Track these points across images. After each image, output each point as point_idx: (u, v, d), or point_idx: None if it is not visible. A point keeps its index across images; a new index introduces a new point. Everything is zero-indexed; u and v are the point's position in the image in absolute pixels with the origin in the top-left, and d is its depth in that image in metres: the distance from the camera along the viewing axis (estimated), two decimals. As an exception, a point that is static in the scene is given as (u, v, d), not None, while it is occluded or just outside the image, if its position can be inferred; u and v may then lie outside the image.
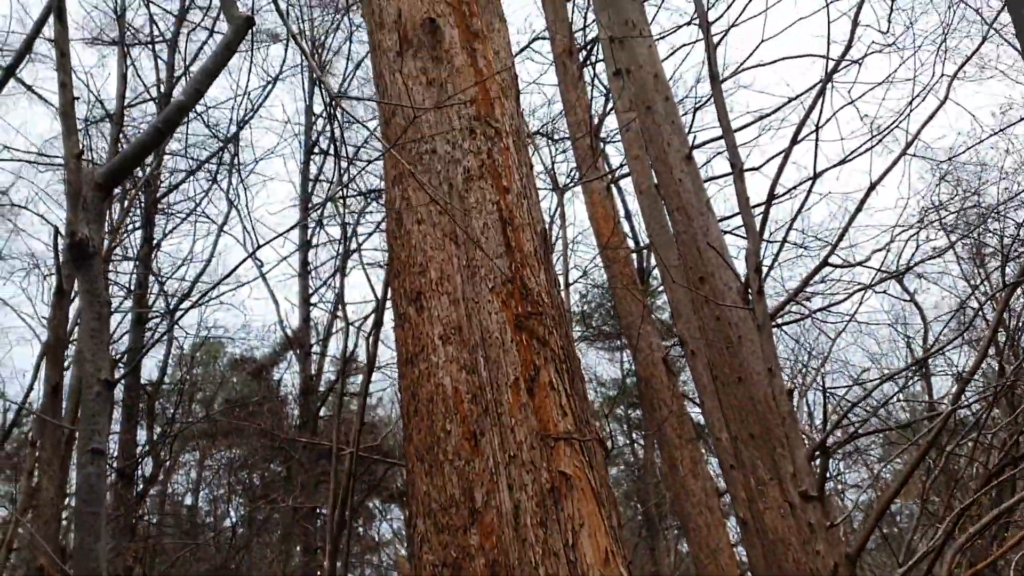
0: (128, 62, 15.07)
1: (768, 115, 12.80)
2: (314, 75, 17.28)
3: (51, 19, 3.36)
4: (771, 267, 10.80)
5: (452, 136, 4.19)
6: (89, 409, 2.03)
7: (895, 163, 9.87)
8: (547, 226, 4.51)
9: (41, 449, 9.07)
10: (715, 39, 6.64)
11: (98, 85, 24.26)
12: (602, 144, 13.61)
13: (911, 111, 9.96)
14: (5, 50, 12.41)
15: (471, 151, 4.14)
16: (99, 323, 2.03)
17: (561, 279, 8.58)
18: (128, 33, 15.32)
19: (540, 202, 4.51)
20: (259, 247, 13.85)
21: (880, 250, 10.97)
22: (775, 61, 10.18)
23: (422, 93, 4.36)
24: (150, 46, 16.03)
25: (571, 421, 3.56)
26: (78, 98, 3.33)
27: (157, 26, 15.97)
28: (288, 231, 18.64)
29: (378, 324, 6.76)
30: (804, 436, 7.26)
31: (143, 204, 15.86)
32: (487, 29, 4.67)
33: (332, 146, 16.36)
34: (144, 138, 2.36)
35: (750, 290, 5.46)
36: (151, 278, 15.91)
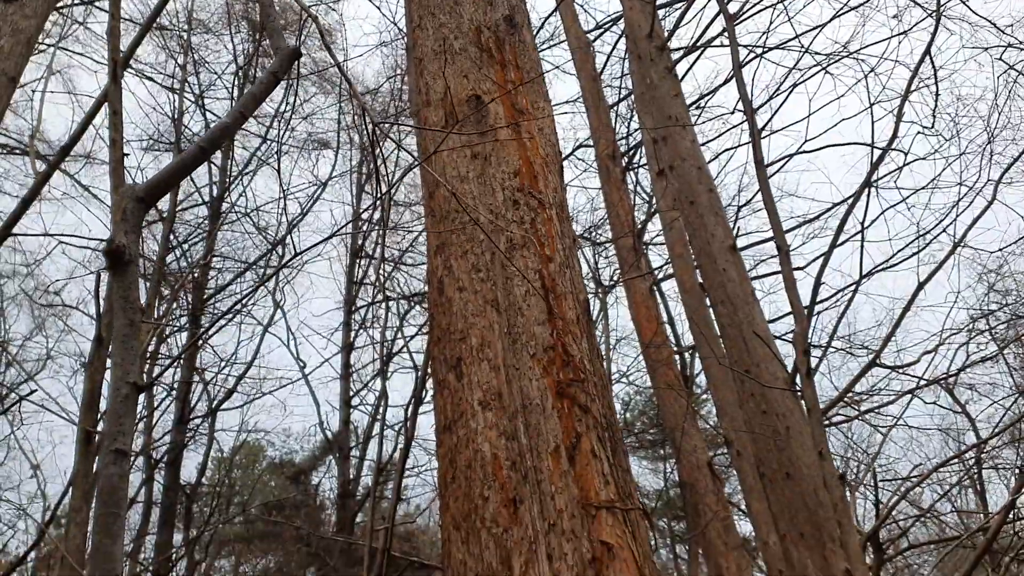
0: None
1: (813, 219, 12.84)
2: (354, 100, 17.49)
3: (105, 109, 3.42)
4: (815, 368, 10.60)
5: (495, 207, 4.19)
6: (115, 411, 1.97)
7: (942, 263, 9.80)
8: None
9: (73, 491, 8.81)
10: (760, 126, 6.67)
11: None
12: (645, 247, 13.67)
13: (958, 214, 9.98)
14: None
15: (514, 220, 4.13)
16: (130, 329, 2.00)
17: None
18: (184, 138, 15.82)
19: (583, 273, 4.46)
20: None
21: (929, 352, 10.75)
22: (820, 148, 10.30)
23: (467, 165, 4.38)
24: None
25: (613, 490, 3.41)
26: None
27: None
28: (332, 333, 18.75)
29: (417, 399, 6.59)
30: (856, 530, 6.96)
31: (190, 304, 16.09)
32: (532, 107, 4.72)
33: (375, 176, 16.45)
34: (186, 157, 2.37)
35: (798, 376, 5.31)
36: (195, 377, 16.01)
